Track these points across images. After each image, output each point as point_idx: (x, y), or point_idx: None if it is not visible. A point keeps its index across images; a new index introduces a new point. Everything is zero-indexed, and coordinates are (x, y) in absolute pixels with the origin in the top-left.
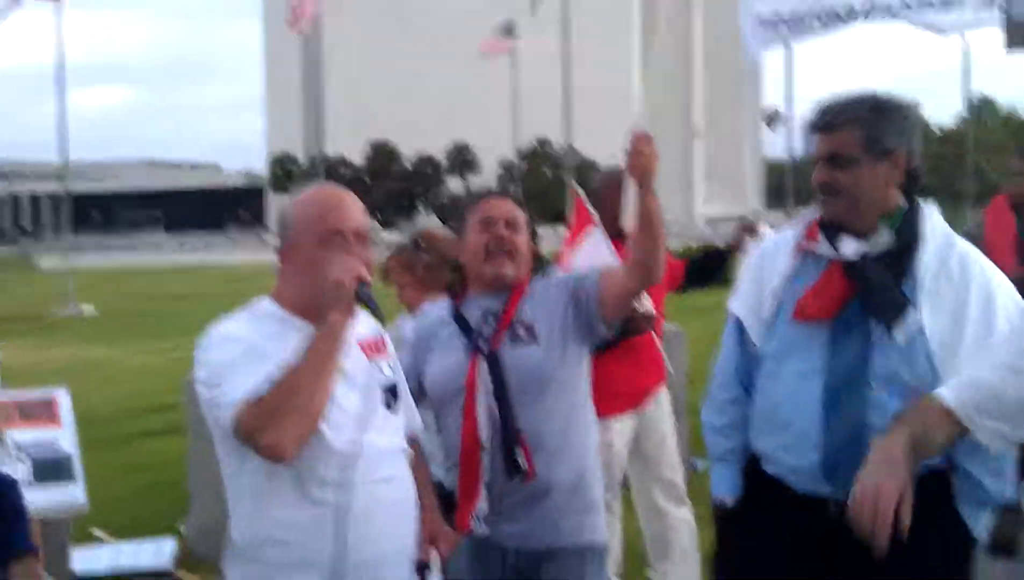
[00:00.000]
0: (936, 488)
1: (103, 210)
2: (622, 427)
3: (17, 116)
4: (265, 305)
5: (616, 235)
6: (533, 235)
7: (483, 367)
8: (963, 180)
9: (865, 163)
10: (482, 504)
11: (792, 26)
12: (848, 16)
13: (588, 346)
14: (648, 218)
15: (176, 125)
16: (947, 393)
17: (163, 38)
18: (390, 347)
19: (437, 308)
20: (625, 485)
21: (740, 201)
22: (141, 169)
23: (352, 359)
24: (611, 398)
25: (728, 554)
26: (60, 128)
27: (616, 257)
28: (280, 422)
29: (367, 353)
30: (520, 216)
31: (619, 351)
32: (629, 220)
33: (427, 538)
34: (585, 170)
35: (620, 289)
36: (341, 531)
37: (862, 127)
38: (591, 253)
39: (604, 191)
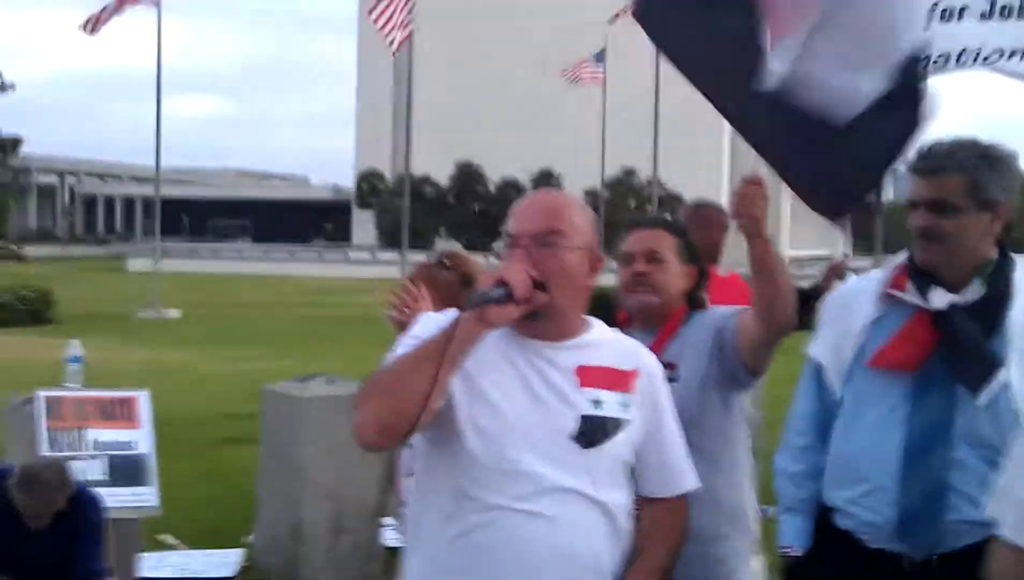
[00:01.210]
0: None
1: (193, 216)
2: None
3: (113, 118)
4: None
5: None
6: (695, 261)
7: None
8: None
9: (969, 212)
10: None
11: None
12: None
13: (735, 391)
14: (762, 266)
15: (266, 136)
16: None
17: (257, 49)
18: (646, 386)
19: None
20: None
21: (827, 243)
22: (230, 178)
23: (554, 379)
24: None
25: None
26: (156, 133)
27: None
28: (367, 404)
29: (585, 379)
30: (664, 247)
31: None
32: (722, 263)
33: None
34: (670, 202)
35: (753, 338)
36: (470, 554)
37: (968, 174)
38: None
39: (689, 227)
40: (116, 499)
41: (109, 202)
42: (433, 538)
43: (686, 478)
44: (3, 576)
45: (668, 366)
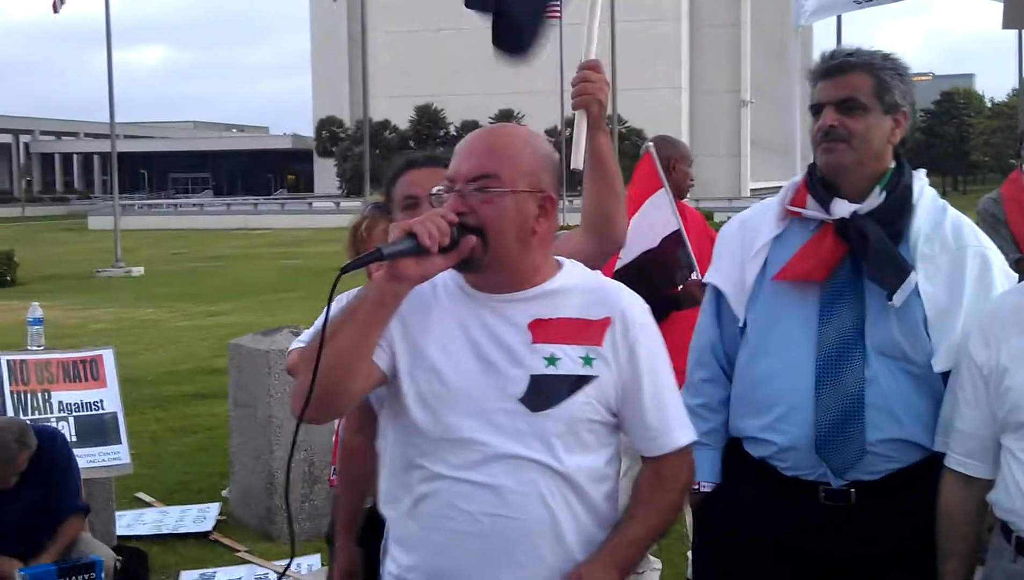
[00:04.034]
0: (922, 472)
1: (153, 171)
2: None
3: (69, 74)
4: None
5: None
6: None
7: None
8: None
9: (875, 113)
10: None
11: None
12: None
13: None
14: (602, 159)
15: (223, 86)
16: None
17: None
18: (619, 335)
19: None
20: None
21: (788, 172)
22: (189, 130)
23: (505, 337)
24: None
25: (709, 543)
26: (108, 83)
27: (679, 220)
28: (298, 377)
29: (540, 335)
30: None
31: (670, 324)
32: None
33: None
34: (631, 137)
35: (575, 253)
36: (422, 525)
37: (875, 74)
38: (650, 216)
39: (666, 160)
40: (86, 459)
41: (67, 160)
42: (395, 510)
43: (671, 435)
44: None
45: None
